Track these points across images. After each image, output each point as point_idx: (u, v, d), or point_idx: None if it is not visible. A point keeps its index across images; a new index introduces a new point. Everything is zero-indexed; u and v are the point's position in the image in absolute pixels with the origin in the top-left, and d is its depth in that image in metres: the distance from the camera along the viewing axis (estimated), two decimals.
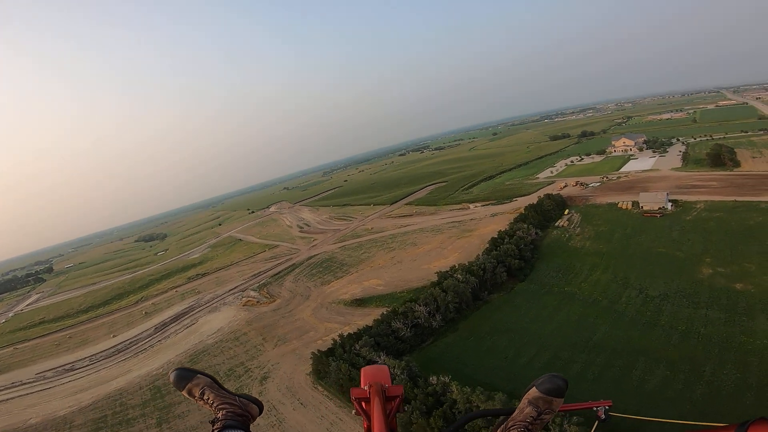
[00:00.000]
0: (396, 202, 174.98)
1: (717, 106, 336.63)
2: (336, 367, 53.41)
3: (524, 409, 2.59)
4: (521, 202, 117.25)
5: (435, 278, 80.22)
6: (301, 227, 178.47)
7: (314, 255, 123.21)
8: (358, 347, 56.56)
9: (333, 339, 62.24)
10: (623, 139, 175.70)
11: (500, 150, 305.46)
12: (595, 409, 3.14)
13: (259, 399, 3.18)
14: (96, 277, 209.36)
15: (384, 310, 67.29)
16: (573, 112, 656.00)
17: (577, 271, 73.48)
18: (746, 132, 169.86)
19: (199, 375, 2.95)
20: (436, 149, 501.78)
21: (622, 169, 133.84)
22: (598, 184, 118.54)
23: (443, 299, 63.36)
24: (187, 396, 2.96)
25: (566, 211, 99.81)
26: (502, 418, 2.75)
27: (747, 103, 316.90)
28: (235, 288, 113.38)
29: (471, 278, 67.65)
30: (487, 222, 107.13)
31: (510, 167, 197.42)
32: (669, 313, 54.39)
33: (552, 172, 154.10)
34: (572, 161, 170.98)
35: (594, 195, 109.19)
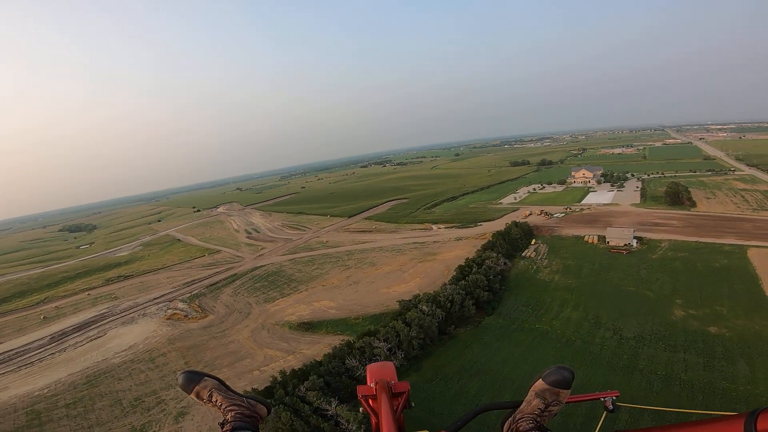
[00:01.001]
0: (355, 215, 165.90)
1: (664, 144, 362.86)
2: (275, 414, 42.99)
3: (531, 401, 2.59)
4: (486, 227, 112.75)
5: (394, 305, 72.54)
6: (249, 233, 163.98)
7: (260, 266, 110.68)
8: (303, 389, 46.56)
9: (273, 377, 51.73)
10: (583, 171, 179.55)
11: (462, 171, 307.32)
12: (602, 399, 3.00)
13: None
14: (1, 269, 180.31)
15: (337, 341, 58.16)
16: (532, 140, 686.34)
17: (547, 306, 68.94)
18: (695, 171, 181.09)
19: (206, 377, 2.90)
20: (398, 164, 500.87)
21: (584, 201, 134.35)
22: (563, 215, 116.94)
23: (406, 334, 54.86)
24: (195, 399, 2.91)
25: (533, 241, 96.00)
26: (509, 411, 2.76)
27: (691, 143, 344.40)
28: (161, 297, 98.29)
29: (437, 311, 59.90)
30: (451, 246, 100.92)
31: (472, 190, 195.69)
32: (646, 356, 51.22)
33: (515, 199, 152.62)
34: (534, 189, 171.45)
35: (559, 226, 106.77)
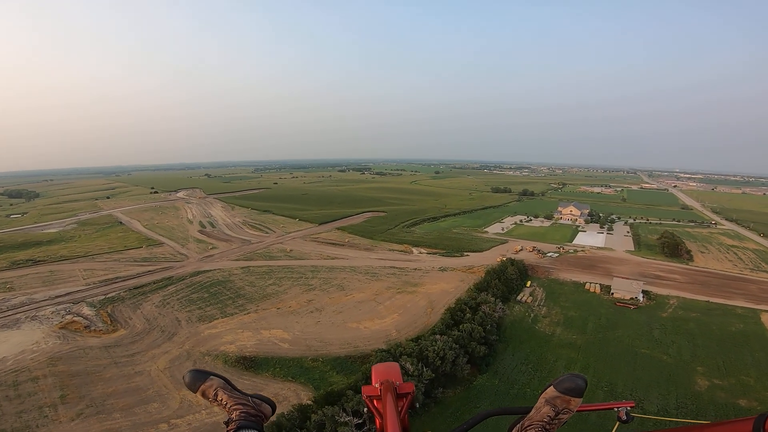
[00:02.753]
0: (327, 222, 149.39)
1: (641, 188, 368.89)
2: None
3: (541, 408, 2.49)
4: (474, 259, 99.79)
5: (364, 347, 58.40)
6: (204, 226, 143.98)
7: (204, 270, 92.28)
8: None
9: None
10: (571, 208, 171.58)
11: (442, 190, 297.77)
12: (616, 410, 2.83)
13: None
14: None
15: (287, 392, 42.51)
16: (510, 168, 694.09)
17: (550, 366, 57.56)
18: (678, 221, 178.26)
19: (212, 376, 2.88)
20: (377, 173, 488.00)
21: (575, 242, 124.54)
22: (556, 254, 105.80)
23: None
24: (200, 397, 2.86)
25: (528, 283, 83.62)
26: (518, 417, 2.66)
27: (667, 190, 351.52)
28: (66, 295, 78.36)
29: (425, 371, 45.17)
30: (435, 277, 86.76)
31: (454, 212, 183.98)
32: None
33: (503, 229, 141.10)
34: (521, 221, 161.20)
35: (555, 267, 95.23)
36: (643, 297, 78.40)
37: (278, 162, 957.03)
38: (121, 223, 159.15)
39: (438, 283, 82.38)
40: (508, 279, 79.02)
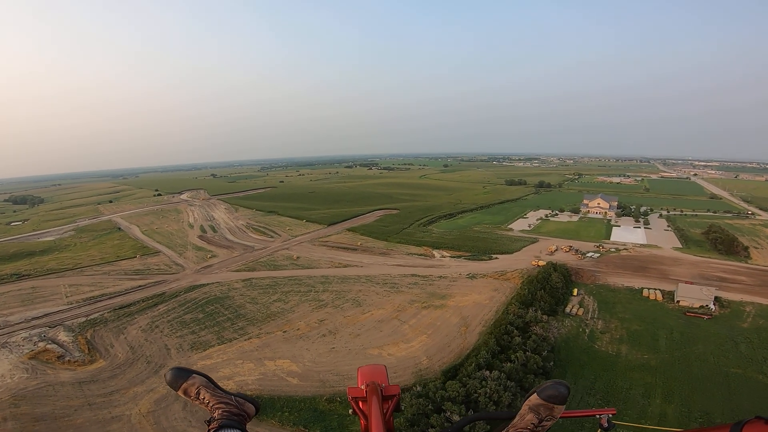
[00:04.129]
0: (336, 223, 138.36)
1: (661, 177, 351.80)
2: None
3: (525, 415, 2.54)
4: (505, 263, 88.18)
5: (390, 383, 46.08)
6: (204, 231, 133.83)
7: (201, 285, 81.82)
8: None
9: None
10: (598, 200, 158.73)
11: (454, 184, 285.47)
12: (598, 416, 2.87)
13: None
14: None
15: None
16: (520, 159, 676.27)
17: (623, 395, 46.55)
18: (715, 212, 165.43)
19: (194, 375, 2.87)
20: (384, 168, 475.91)
21: (613, 238, 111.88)
22: (597, 255, 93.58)
23: None
24: (182, 396, 2.87)
25: (575, 291, 71.71)
26: (501, 423, 2.71)
27: (689, 179, 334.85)
28: (43, 317, 68.60)
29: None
30: (464, 287, 75.26)
31: (470, 207, 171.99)
32: None
33: (529, 226, 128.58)
34: (546, 216, 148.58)
35: (600, 270, 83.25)
36: (715, 305, 66.34)
37: (285, 160, 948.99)
38: (119, 229, 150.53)
39: (469, 293, 70.95)
40: (552, 288, 67.48)
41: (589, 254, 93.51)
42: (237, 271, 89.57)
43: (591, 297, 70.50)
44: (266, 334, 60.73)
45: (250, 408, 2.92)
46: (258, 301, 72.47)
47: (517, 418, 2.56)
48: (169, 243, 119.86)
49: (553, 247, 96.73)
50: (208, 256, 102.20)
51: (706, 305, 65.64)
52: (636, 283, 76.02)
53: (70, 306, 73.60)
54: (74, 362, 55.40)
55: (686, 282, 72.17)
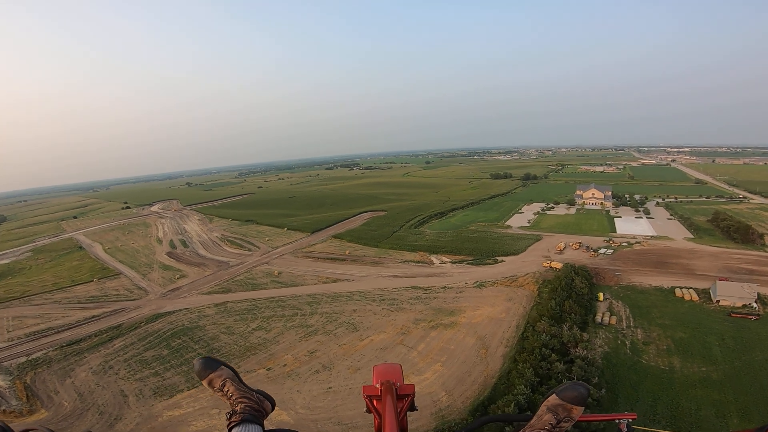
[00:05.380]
0: (320, 230, 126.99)
1: (642, 164, 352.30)
2: None
3: (543, 416, 2.49)
4: (512, 266, 79.02)
5: None
6: (174, 247, 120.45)
7: (166, 313, 69.56)
8: None
9: None
10: (593, 191, 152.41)
11: (439, 181, 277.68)
12: (617, 421, 2.84)
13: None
14: None
15: None
16: (499, 153, 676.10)
17: (693, 418, 38.63)
18: (707, 197, 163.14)
19: (223, 366, 2.84)
20: (366, 168, 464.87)
21: (620, 231, 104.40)
22: (611, 251, 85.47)
23: None
24: (206, 386, 2.84)
25: (601, 296, 62.89)
26: (518, 424, 2.66)
27: (669, 164, 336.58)
28: None
29: None
30: (474, 298, 65.52)
31: (461, 204, 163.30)
32: None
33: (528, 222, 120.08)
34: (542, 209, 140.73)
35: (619, 269, 75.07)
36: (758, 303, 58.71)
37: (264, 164, 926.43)
38: (81, 247, 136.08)
39: (480, 306, 61.30)
40: (578, 295, 58.50)
41: (601, 250, 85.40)
42: (209, 293, 77.46)
43: (619, 301, 61.85)
44: (246, 372, 49.51)
45: (268, 405, 2.85)
46: (234, 331, 60.99)
47: (534, 418, 2.47)
48: (133, 262, 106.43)
49: (562, 245, 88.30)
50: (177, 276, 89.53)
51: (749, 304, 57.93)
52: (663, 281, 67.92)
53: (10, 343, 61.19)
54: (10, 413, 44.50)
55: (721, 278, 64.33)
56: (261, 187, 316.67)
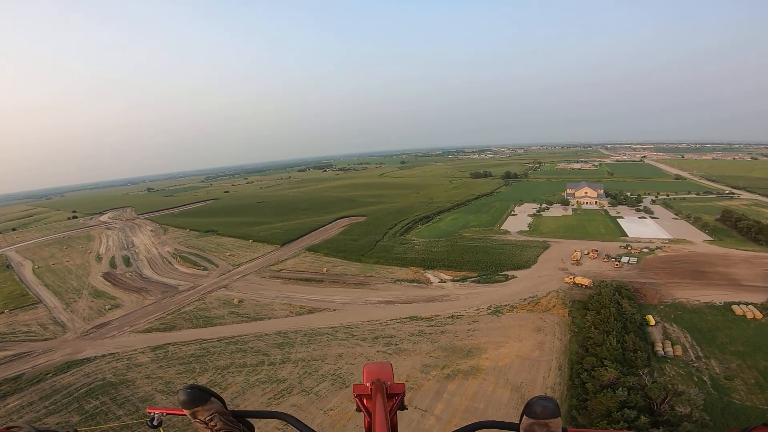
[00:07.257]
0: (292, 241, 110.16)
1: (617, 161, 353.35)
2: None
3: None
4: (527, 283, 65.68)
5: None
6: (114, 265, 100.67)
7: (84, 360, 51.83)
8: None
9: None
10: (585, 189, 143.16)
11: (418, 181, 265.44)
12: None
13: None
14: None
15: None
16: (473, 152, 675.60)
17: None
18: (697, 194, 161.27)
19: (213, 399, 2.58)
20: (340, 170, 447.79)
21: (630, 234, 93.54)
22: (635, 259, 73.73)
23: None
24: (189, 416, 2.55)
25: (651, 319, 50.20)
26: None
27: (642, 161, 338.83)
28: None
29: None
30: (492, 330, 51.41)
31: (446, 206, 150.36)
32: None
33: (528, 226, 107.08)
34: (536, 211, 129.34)
35: (653, 281, 63.14)
36: None
37: (233, 168, 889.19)
38: (8, 266, 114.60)
39: (505, 341, 47.26)
40: (630, 322, 45.66)
41: (624, 259, 73.59)
42: (146, 331, 59.63)
43: (673, 324, 49.45)
44: None
45: None
46: (175, 389, 44.38)
47: None
48: (60, 287, 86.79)
49: (578, 254, 75.87)
50: (107, 307, 70.91)
51: None
52: (711, 296, 56.30)
53: None
54: None
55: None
56: (228, 192, 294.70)
